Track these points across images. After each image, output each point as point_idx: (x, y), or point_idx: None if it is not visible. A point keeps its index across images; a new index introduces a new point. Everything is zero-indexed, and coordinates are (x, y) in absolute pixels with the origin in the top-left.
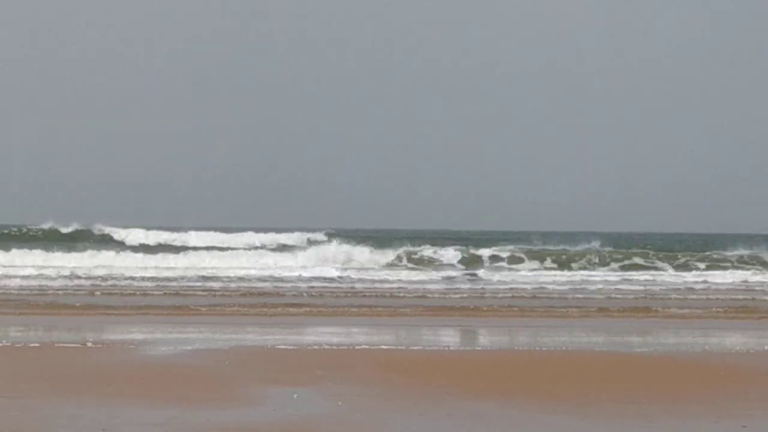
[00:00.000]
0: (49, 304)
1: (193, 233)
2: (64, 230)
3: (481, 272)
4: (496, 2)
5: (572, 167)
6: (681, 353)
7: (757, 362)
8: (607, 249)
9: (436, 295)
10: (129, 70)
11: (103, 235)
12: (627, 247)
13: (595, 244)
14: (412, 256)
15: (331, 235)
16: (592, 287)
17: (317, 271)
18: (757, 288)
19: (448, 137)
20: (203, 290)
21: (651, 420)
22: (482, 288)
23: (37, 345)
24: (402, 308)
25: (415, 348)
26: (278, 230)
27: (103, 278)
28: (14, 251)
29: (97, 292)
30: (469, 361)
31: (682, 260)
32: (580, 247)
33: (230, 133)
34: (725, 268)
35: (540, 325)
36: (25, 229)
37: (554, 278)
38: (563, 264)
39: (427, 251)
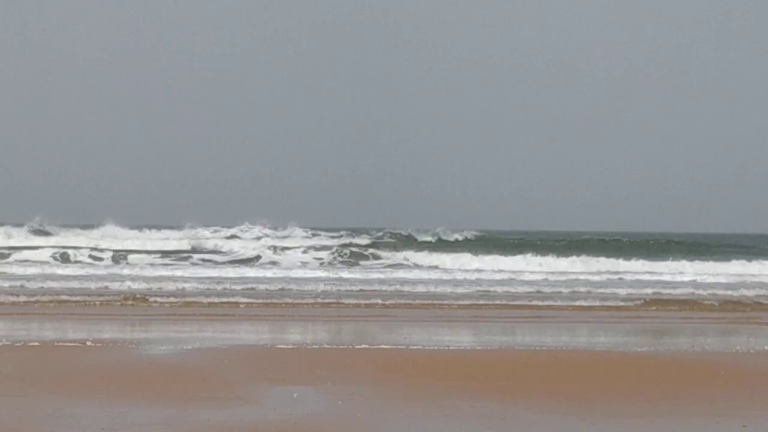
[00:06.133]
0: None
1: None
2: None
3: None
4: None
5: None
6: (681, 353)
7: (757, 362)
8: None
9: None
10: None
11: None
12: None
13: None
14: None
15: None
16: None
17: None
18: None
19: None
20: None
21: (651, 420)
22: None
23: (37, 344)
24: None
25: (415, 348)
26: None
27: None
28: None
29: None
30: (469, 361)
31: None
32: None
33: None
34: None
35: None
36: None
37: None
38: None
39: None
